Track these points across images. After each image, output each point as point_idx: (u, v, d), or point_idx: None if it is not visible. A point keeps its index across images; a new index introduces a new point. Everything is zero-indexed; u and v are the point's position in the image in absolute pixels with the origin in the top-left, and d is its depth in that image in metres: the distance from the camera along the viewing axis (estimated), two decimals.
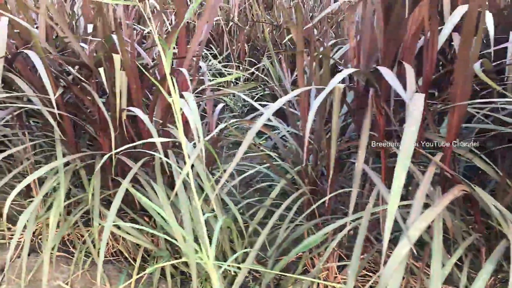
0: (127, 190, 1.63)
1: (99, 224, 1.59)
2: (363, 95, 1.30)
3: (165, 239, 1.55)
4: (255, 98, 2.58)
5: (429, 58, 1.18)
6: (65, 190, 1.38)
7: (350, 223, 1.20)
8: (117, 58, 1.30)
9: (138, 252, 1.59)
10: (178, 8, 1.41)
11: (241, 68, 2.52)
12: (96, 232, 1.34)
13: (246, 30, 3.15)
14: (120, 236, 1.70)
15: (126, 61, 1.34)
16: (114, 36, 1.36)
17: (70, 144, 1.51)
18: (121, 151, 1.49)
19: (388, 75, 0.96)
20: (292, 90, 2.54)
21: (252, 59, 3.04)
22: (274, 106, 1.13)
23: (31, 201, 2.01)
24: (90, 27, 1.80)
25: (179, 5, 1.41)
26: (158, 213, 1.37)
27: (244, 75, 2.39)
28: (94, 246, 1.68)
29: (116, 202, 1.23)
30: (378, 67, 1.03)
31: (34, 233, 1.87)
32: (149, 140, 1.04)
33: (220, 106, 1.85)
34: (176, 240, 1.47)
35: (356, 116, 1.38)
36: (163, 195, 1.29)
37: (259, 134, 2.37)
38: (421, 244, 1.63)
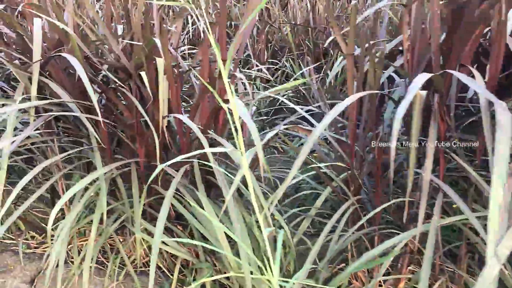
0: (158, 194, 1.57)
1: (143, 239, 1.53)
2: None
3: (204, 250, 1.49)
4: (280, 101, 2.52)
5: (495, 60, 1.11)
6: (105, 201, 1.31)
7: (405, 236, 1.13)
8: (160, 62, 1.23)
9: (176, 263, 1.52)
10: (221, 8, 1.35)
11: (263, 69, 2.46)
12: (139, 246, 1.28)
13: (266, 30, 3.09)
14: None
15: (168, 65, 1.28)
16: (156, 39, 1.29)
17: (106, 151, 1.45)
18: (170, 162, 1.42)
19: (467, 79, 0.89)
20: (318, 91, 2.47)
21: (274, 60, 2.98)
22: (333, 113, 1.07)
23: (63, 211, 1.94)
24: (120, 28, 1.74)
25: (222, 6, 1.35)
26: (199, 223, 1.31)
27: (271, 79, 2.33)
28: (128, 256, 1.62)
29: (162, 217, 1.16)
30: (450, 71, 0.97)
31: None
32: (203, 151, 0.97)
33: (253, 109, 1.78)
34: (214, 251, 1.41)
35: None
36: (210, 208, 1.22)
37: (290, 136, 2.30)
38: None
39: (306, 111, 2.23)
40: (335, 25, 1.43)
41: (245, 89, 1.63)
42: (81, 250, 1.70)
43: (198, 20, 2.92)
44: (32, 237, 1.90)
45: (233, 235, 0.83)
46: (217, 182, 1.59)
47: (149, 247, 1.65)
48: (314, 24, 3.52)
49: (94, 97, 1.17)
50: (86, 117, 1.31)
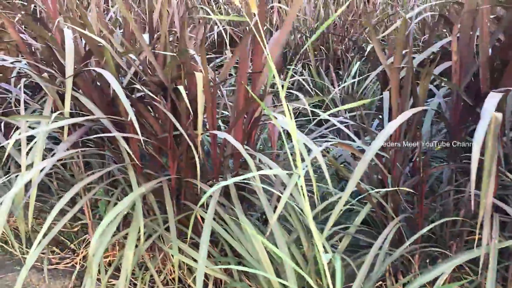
0: (188, 209, 1.51)
1: (184, 263, 1.48)
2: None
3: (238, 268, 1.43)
4: (299, 109, 2.47)
5: None
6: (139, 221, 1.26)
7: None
8: (200, 76, 1.19)
9: (208, 283, 1.47)
10: (260, 15, 1.30)
11: (281, 76, 2.41)
12: (176, 269, 1.23)
13: None
14: (183, 263, 1.58)
15: (206, 79, 1.23)
16: (192, 51, 1.25)
17: (136, 167, 1.40)
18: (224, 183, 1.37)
19: None
20: (341, 99, 2.43)
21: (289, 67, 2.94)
22: (385, 133, 1.02)
23: (83, 225, 1.89)
24: (146, 37, 1.69)
25: (261, 14, 1.30)
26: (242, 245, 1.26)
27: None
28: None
29: (205, 242, 1.11)
30: None
31: (86, 258, 1.75)
32: (259, 173, 0.93)
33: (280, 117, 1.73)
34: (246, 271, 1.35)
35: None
36: (252, 227, 1.17)
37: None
38: None
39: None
40: (374, 35, 1.39)
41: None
42: (108, 265, 1.65)
43: (218, 27, 2.87)
44: (52, 252, 1.85)
45: (282, 254, 0.79)
46: (247, 195, 1.55)
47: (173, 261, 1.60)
48: (327, 30, 3.48)
49: (132, 113, 1.12)
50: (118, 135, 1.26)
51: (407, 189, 1.08)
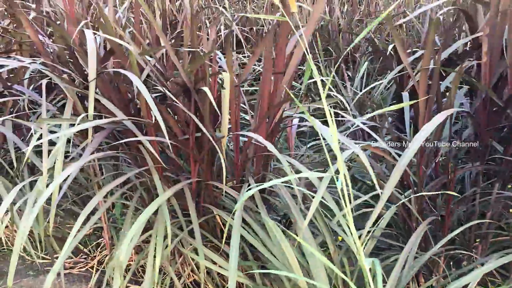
0: (208, 212, 1.49)
1: (192, 259, 1.46)
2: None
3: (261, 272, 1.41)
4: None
5: None
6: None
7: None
8: (227, 77, 1.16)
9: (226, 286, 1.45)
10: (286, 13, 1.28)
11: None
12: (202, 276, 1.21)
13: None
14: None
15: (231, 81, 1.21)
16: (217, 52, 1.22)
17: (158, 170, 1.37)
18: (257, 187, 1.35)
19: None
20: (351, 100, 2.41)
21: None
22: (420, 138, 1.01)
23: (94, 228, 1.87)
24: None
25: (287, 13, 1.28)
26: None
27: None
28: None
29: (235, 249, 1.09)
30: None
31: (101, 262, 1.72)
32: (297, 175, 0.91)
33: (295, 121, 1.72)
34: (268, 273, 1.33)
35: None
36: (281, 234, 1.15)
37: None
38: None
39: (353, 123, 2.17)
40: (397, 37, 1.37)
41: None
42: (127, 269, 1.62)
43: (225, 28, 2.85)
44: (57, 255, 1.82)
45: (323, 258, 0.77)
46: (267, 197, 1.53)
47: (196, 265, 1.58)
48: (332, 28, 3.47)
49: (159, 116, 1.09)
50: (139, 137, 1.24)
51: (450, 192, 1.06)
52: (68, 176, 1.07)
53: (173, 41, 2.00)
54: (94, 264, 1.70)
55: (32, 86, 1.16)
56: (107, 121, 1.13)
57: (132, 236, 1.09)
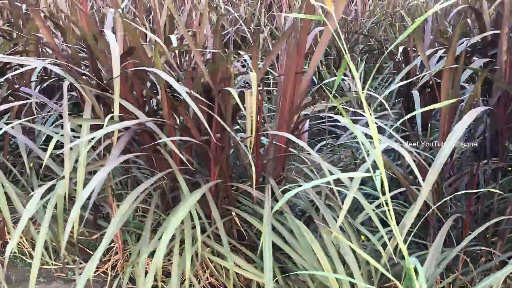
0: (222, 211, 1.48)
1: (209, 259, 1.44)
2: None
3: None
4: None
5: None
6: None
7: None
8: (254, 76, 1.15)
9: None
10: (306, 11, 1.28)
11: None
12: (232, 276, 1.19)
13: None
14: (220, 266, 1.54)
15: (258, 78, 1.20)
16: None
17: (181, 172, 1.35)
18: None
19: None
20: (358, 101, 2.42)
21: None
22: (461, 127, 1.02)
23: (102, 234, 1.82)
24: (173, 39, 1.65)
25: (308, 12, 1.28)
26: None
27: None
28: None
29: (268, 259, 1.08)
30: None
31: (115, 266, 1.69)
32: (335, 176, 0.90)
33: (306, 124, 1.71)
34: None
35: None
36: (309, 233, 1.15)
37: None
38: None
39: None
40: (419, 41, 1.39)
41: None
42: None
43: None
44: (73, 261, 1.78)
45: (366, 256, 0.76)
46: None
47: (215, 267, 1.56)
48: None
49: (202, 117, 1.08)
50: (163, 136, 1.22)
51: (496, 190, 1.07)
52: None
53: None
54: (107, 268, 1.66)
55: (65, 87, 1.13)
56: (134, 122, 1.10)
57: (168, 239, 1.07)
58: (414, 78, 1.61)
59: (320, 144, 1.92)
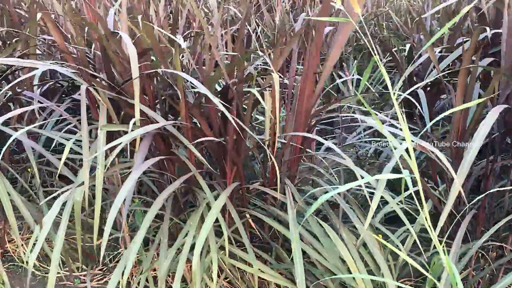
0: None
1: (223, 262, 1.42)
2: None
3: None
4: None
5: None
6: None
7: None
8: (276, 77, 1.15)
9: None
10: (322, 13, 1.28)
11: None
12: (256, 280, 1.18)
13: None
14: (235, 269, 1.52)
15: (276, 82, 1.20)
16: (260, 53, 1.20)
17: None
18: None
19: None
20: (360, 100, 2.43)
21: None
22: (486, 126, 1.03)
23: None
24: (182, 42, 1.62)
25: (323, 14, 1.28)
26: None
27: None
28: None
29: (300, 265, 1.08)
30: None
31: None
32: (379, 176, 0.91)
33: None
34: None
35: None
36: (335, 234, 1.15)
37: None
38: None
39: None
40: (428, 38, 1.40)
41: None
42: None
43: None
44: (77, 269, 1.73)
45: (404, 256, 0.77)
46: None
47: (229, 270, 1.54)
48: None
49: (232, 120, 1.06)
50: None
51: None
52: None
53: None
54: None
55: (82, 91, 1.09)
56: (155, 126, 1.08)
57: (201, 245, 1.05)
58: (425, 82, 1.63)
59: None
